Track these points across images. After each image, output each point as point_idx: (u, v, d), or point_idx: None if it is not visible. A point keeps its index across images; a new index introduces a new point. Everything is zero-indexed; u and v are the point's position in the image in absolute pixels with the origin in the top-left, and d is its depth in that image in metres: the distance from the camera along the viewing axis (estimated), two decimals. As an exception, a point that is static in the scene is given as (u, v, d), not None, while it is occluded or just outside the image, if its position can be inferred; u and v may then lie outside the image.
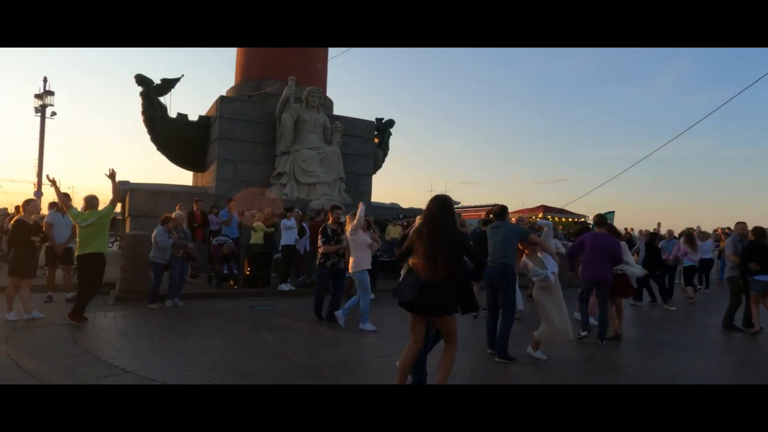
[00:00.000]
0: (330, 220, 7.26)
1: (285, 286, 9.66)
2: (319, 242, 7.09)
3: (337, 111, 16.95)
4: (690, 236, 10.92)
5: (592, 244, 6.43)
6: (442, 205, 3.80)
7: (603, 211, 11.89)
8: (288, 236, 9.64)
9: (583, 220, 26.78)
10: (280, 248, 10.01)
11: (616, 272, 6.47)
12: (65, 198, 7.06)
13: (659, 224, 14.56)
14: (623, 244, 6.89)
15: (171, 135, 15.09)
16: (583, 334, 6.26)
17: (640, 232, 12.85)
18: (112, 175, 6.46)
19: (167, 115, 14.91)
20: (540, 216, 20.02)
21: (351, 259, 6.74)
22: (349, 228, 6.78)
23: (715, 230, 16.45)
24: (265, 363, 4.98)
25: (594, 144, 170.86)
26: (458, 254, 3.75)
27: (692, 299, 10.18)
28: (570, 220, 23.82)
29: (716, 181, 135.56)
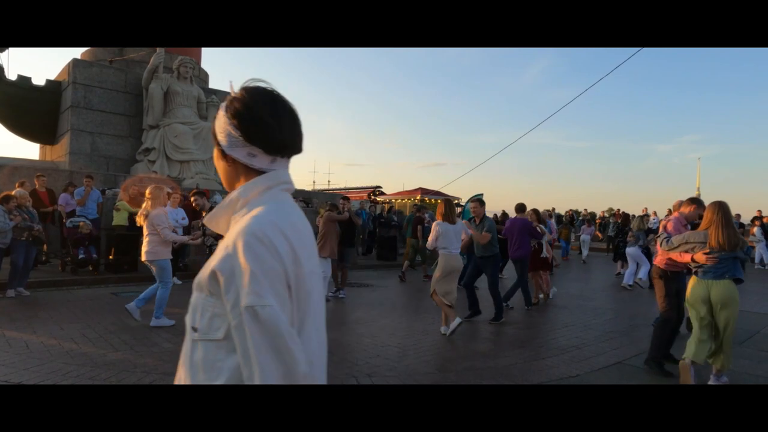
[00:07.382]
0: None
1: (176, 280, 7.96)
2: None
3: (213, 85, 16.01)
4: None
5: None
6: None
7: (474, 193, 12.89)
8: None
9: (456, 201, 28.66)
10: None
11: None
12: None
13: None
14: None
15: (9, 101, 13.04)
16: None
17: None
18: None
19: (4, 76, 12.81)
20: (418, 198, 21.00)
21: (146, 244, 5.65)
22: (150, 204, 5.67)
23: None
24: (132, 352, 4.63)
25: (469, 131, 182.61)
26: None
27: None
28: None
29: (568, 167, 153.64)
